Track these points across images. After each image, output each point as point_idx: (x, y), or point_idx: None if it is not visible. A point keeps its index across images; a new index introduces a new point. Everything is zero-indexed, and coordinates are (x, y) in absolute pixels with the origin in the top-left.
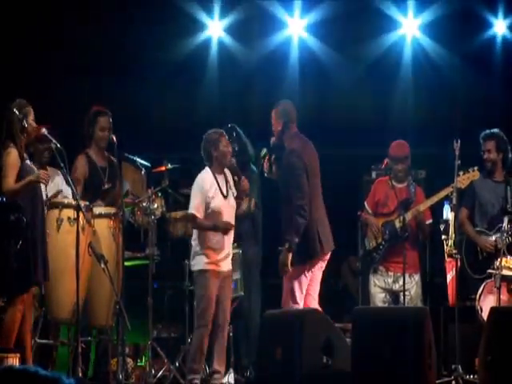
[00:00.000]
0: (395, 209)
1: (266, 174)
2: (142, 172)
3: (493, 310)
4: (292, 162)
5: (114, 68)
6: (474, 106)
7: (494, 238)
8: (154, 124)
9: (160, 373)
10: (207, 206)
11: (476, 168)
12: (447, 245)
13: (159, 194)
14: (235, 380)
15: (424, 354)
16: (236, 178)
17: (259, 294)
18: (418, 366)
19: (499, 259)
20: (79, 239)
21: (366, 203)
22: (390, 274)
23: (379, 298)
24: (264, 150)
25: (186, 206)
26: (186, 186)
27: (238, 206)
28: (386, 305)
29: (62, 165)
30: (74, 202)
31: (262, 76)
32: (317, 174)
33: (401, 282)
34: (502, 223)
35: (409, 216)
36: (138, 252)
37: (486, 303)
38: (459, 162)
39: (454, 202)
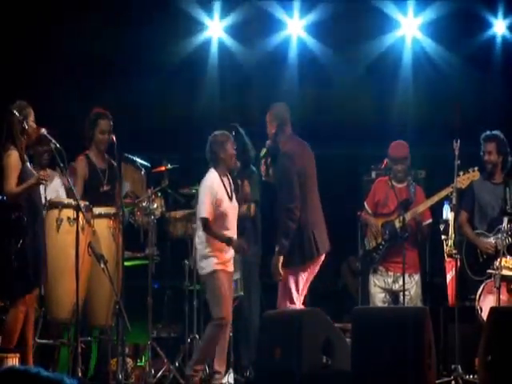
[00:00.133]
0: (395, 209)
1: (263, 177)
2: (142, 172)
3: (492, 310)
4: (283, 165)
5: (114, 68)
6: (474, 106)
7: (492, 239)
8: (154, 124)
9: (160, 373)
10: (216, 208)
11: (476, 168)
12: (447, 245)
13: (159, 194)
14: (235, 380)
15: (424, 354)
16: (239, 180)
17: (259, 294)
18: (417, 366)
19: (499, 259)
20: (79, 239)
21: (365, 203)
22: (390, 274)
23: (379, 298)
24: (264, 150)
25: (185, 206)
26: (185, 186)
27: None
28: (386, 305)
29: (61, 165)
30: (73, 202)
31: (262, 76)
32: (312, 176)
33: (400, 282)
34: (502, 224)
35: (408, 216)
36: (138, 252)
37: (486, 303)
38: (459, 161)
39: (454, 202)
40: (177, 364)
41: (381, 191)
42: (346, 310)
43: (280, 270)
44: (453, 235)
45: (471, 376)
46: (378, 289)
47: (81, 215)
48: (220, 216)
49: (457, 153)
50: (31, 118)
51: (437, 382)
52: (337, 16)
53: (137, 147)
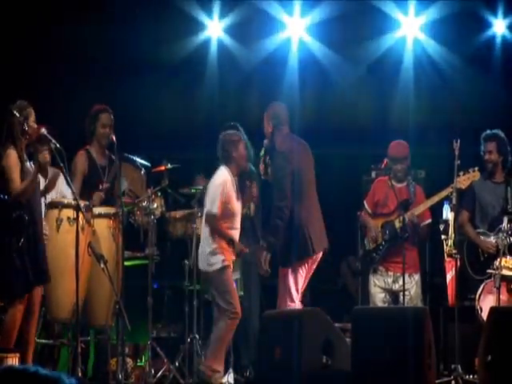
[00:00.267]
0: (395, 209)
1: (262, 176)
2: (142, 172)
3: (492, 310)
4: (277, 164)
5: (113, 68)
6: (474, 106)
7: (493, 238)
8: (154, 124)
9: (160, 373)
10: (225, 205)
11: (476, 168)
12: (447, 245)
13: (159, 194)
14: (235, 380)
15: (424, 353)
16: (248, 182)
17: (258, 294)
18: (417, 366)
19: (499, 259)
20: (79, 239)
21: (365, 202)
22: (390, 273)
23: (379, 297)
24: (263, 151)
25: (185, 206)
26: (185, 186)
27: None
28: (386, 305)
29: (61, 165)
30: (73, 202)
31: (262, 76)
32: (310, 175)
33: (400, 282)
34: (502, 224)
35: (408, 216)
36: (138, 252)
37: (486, 303)
38: (459, 162)
39: (454, 202)
40: (177, 364)
41: (380, 191)
42: (346, 309)
43: (265, 265)
44: (453, 235)
45: (471, 376)
46: (378, 289)
47: (81, 215)
48: (229, 215)
49: (457, 153)
50: (32, 118)
51: (437, 381)
52: (337, 16)
53: (137, 147)
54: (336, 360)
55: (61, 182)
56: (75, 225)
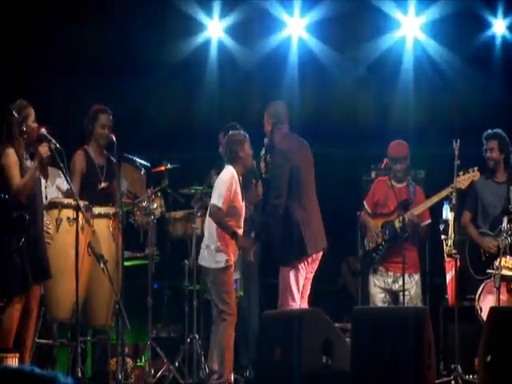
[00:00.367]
0: (395, 209)
1: (263, 175)
2: (142, 172)
3: (492, 310)
4: (275, 161)
5: (113, 68)
6: (474, 106)
7: (493, 238)
8: (154, 124)
9: (159, 373)
10: (231, 203)
11: (476, 168)
12: (447, 245)
13: (159, 194)
14: (235, 380)
15: (424, 354)
16: (254, 180)
17: (258, 294)
18: (417, 366)
19: (498, 259)
20: (78, 239)
21: (365, 202)
22: (390, 274)
23: (379, 298)
24: (264, 150)
25: (185, 206)
26: (185, 186)
27: None
28: (386, 305)
29: (61, 165)
30: (73, 202)
31: (262, 76)
32: (308, 174)
33: (400, 282)
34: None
35: (408, 216)
36: (138, 252)
37: (486, 303)
38: (459, 162)
39: (454, 202)
40: (176, 364)
41: (380, 191)
42: (346, 309)
43: (250, 256)
44: (453, 235)
45: (471, 376)
46: (378, 289)
47: (80, 215)
48: (234, 213)
49: (457, 153)
50: (31, 118)
51: (437, 381)
52: (337, 16)
53: (137, 147)
54: (336, 360)
55: (61, 181)
56: (75, 225)
